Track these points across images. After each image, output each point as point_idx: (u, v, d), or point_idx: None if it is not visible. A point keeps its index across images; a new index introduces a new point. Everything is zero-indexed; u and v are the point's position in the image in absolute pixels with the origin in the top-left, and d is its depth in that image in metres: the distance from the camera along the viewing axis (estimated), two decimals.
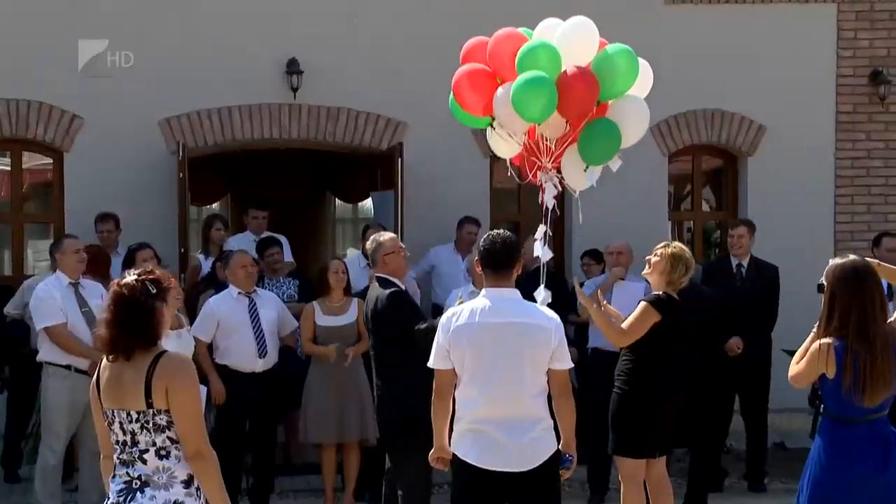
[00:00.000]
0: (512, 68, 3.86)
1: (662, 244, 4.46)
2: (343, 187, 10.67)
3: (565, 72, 3.86)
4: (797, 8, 7.41)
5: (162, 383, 2.47)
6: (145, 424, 2.49)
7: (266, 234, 6.84)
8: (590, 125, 3.93)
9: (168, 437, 2.49)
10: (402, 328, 4.30)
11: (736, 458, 6.39)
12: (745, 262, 6.12)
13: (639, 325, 4.26)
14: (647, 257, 4.49)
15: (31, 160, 7.46)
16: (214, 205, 11.70)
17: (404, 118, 7.06)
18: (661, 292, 4.38)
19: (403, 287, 4.63)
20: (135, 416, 2.50)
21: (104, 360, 2.60)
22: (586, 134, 3.94)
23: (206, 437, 2.56)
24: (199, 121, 6.94)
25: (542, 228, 4.18)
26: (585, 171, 4.07)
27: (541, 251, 4.15)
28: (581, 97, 3.88)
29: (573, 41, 3.94)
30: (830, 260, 3.26)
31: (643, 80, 4.07)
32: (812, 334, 3.19)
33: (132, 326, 2.51)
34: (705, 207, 8.19)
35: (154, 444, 2.49)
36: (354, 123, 7.10)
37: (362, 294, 5.27)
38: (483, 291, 3.44)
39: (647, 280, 4.68)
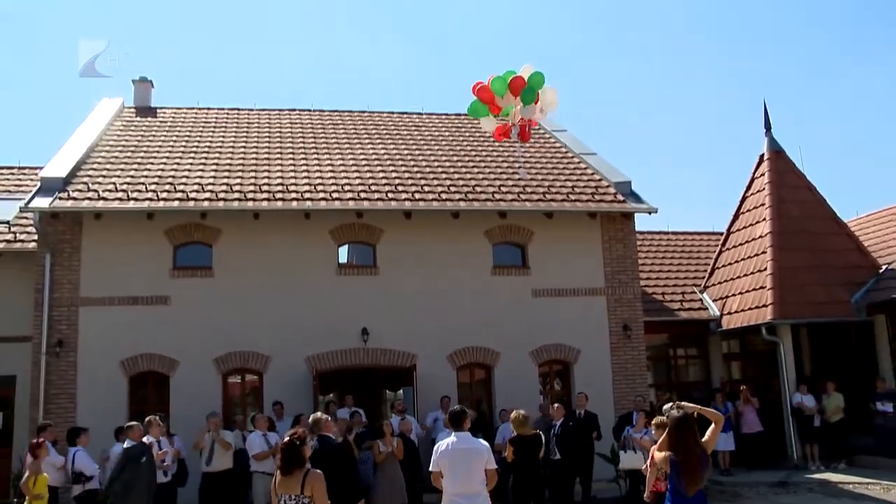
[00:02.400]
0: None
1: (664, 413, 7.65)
2: (388, 384, 20.22)
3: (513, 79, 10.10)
4: (589, 298, 17.36)
5: (309, 483, 5.96)
6: (300, 500, 6.03)
7: (353, 408, 15.84)
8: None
9: None
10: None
11: None
12: (583, 411, 15.00)
13: None
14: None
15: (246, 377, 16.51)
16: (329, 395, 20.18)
17: (416, 351, 16.47)
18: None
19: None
20: (294, 497, 6.02)
21: (279, 472, 6.17)
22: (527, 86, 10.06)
23: None
24: (318, 356, 16.17)
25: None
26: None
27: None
28: (516, 84, 10.07)
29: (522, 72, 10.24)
30: (671, 410, 6.96)
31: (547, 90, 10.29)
32: (655, 445, 7.08)
33: (293, 459, 6.10)
34: (557, 387, 17.63)
35: None
36: (392, 355, 16.43)
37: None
38: (452, 433, 7.56)
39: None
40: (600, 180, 18.55)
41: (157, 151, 18.33)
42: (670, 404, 7.20)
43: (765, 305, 17.91)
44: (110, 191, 15.88)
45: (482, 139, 21.07)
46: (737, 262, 19.57)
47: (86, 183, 16.15)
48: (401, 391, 20.53)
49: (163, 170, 17.09)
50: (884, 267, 18.38)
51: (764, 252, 18.27)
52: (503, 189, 17.62)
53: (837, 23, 52.64)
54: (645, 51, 54.92)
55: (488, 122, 10.67)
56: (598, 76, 54.77)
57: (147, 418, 11.71)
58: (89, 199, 15.55)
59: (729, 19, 55.25)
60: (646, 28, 55.20)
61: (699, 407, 7.21)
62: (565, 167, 19.39)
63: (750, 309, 18.49)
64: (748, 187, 19.95)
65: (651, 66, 54.59)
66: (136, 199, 15.66)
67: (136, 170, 17.08)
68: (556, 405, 14.66)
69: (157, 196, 15.84)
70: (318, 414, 10.68)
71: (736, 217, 20.32)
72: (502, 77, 10.23)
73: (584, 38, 54.02)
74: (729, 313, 19.37)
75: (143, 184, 16.31)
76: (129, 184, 16.29)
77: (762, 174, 19.37)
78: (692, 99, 53.79)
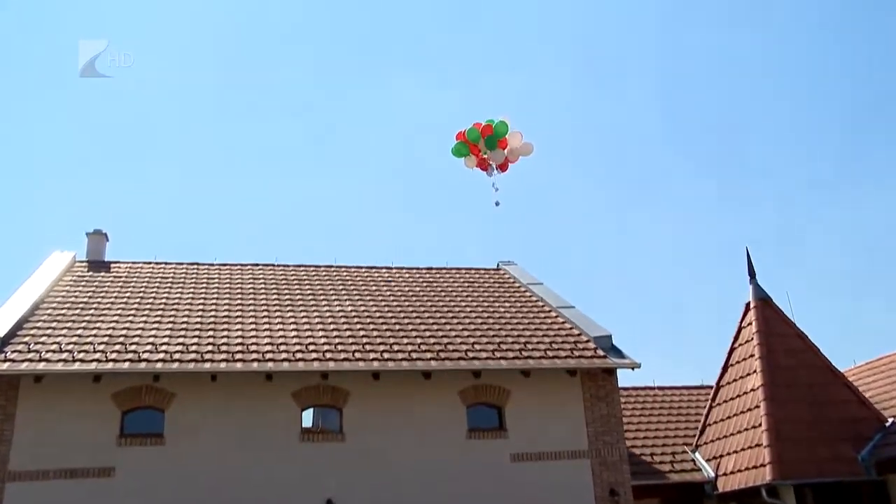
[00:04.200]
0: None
1: None
2: None
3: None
4: (572, 462, 16.84)
5: None
6: None
7: None
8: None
9: None
10: None
11: None
12: None
13: None
14: None
15: None
16: None
17: None
18: None
19: None
20: None
21: None
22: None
23: None
24: None
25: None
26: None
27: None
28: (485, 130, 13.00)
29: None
30: None
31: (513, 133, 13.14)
32: None
33: None
34: None
35: None
36: None
37: None
38: None
39: None
40: (579, 335, 18.55)
41: (109, 308, 18.13)
42: None
43: (763, 465, 17.47)
44: (54, 351, 15.51)
45: (454, 293, 21.19)
46: (729, 417, 19.28)
47: (27, 343, 15.79)
48: None
49: (114, 328, 16.84)
50: (890, 420, 18.10)
51: (757, 406, 18.05)
52: (477, 346, 17.51)
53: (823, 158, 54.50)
54: (622, 202, 56.26)
55: (469, 160, 13.00)
56: (571, 224, 55.81)
57: None
58: (29, 360, 15.14)
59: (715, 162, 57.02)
60: (627, 176, 56.78)
61: None
62: (542, 321, 19.43)
63: (747, 469, 18.03)
64: (735, 338, 19.96)
65: (627, 214, 55.74)
66: (82, 361, 15.28)
67: (84, 328, 16.80)
68: None
69: (106, 357, 15.48)
70: None
71: (725, 370, 20.21)
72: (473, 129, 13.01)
73: (554, 181, 55.44)
74: (725, 474, 18.88)
75: (90, 343, 15.99)
76: (75, 343, 15.95)
77: (749, 323, 19.42)
78: (673, 245, 54.69)
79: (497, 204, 12.89)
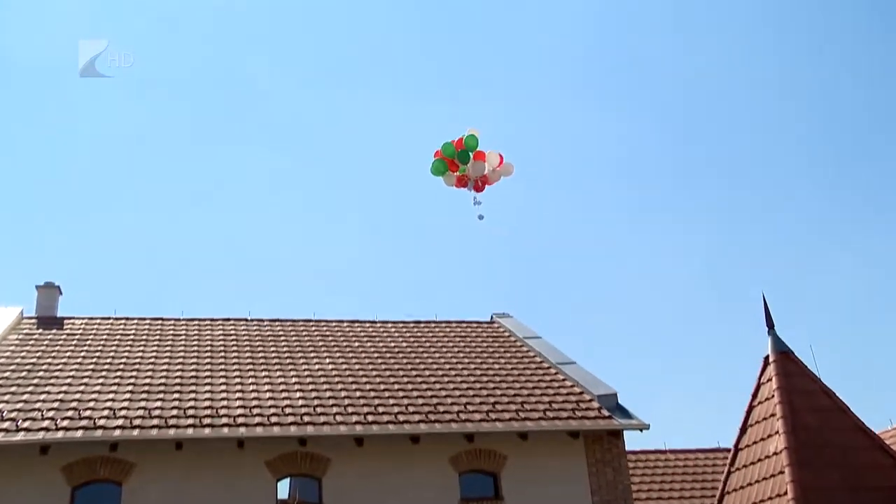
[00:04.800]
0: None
1: None
2: None
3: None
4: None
5: None
6: None
7: None
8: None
9: None
10: None
11: None
12: None
13: None
14: None
15: None
16: None
17: None
18: None
19: None
20: None
21: None
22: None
23: None
24: None
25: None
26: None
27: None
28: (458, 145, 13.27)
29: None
30: None
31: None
32: None
33: None
34: None
35: None
36: None
37: None
38: None
39: None
40: (581, 393, 17.85)
41: (61, 370, 17.01)
42: None
43: None
44: None
45: (444, 349, 20.46)
46: (750, 484, 18.03)
47: None
48: None
49: (66, 392, 15.75)
50: None
51: (781, 472, 16.79)
52: (470, 407, 16.68)
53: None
54: (622, 248, 55.09)
55: (448, 177, 13.47)
56: (570, 272, 54.39)
57: None
58: None
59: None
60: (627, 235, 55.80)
61: None
62: (541, 379, 18.70)
63: None
64: (754, 395, 18.77)
65: (630, 261, 54.42)
66: (27, 430, 14.11)
67: (31, 392, 15.64)
68: None
69: (56, 424, 14.35)
70: None
71: (743, 431, 18.98)
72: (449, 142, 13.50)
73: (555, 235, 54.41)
74: None
75: (38, 410, 14.83)
76: (20, 410, 14.77)
77: (769, 379, 18.27)
78: (683, 293, 53.15)
79: (481, 217, 13.32)
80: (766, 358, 18.50)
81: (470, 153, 13.22)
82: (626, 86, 53.07)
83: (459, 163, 13.25)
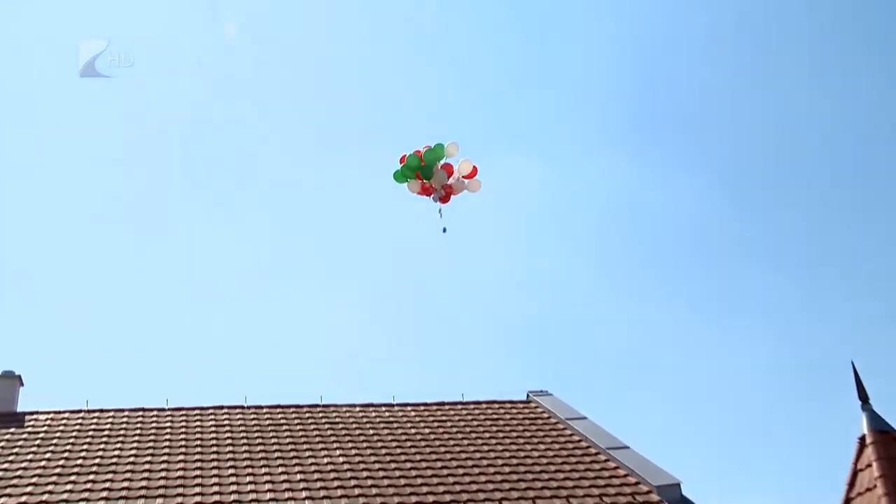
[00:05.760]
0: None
1: None
2: None
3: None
4: None
5: None
6: None
7: None
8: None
9: None
10: None
11: None
12: None
13: None
14: None
15: None
16: None
17: None
18: None
19: None
20: None
21: None
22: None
23: None
24: None
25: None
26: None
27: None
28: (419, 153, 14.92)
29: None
30: None
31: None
32: None
33: None
34: None
35: None
36: None
37: None
38: None
39: None
40: (637, 483, 16.14)
41: (22, 473, 15.41)
42: None
43: None
44: None
45: (473, 434, 18.77)
46: None
47: None
48: None
49: (28, 498, 14.15)
50: None
51: None
52: (506, 502, 15.03)
53: None
54: (681, 314, 52.35)
55: (413, 184, 14.71)
56: (619, 342, 51.42)
57: None
58: None
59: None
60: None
61: None
62: (588, 467, 16.94)
63: None
64: (851, 484, 16.49)
65: (692, 329, 51.57)
66: None
67: None
68: None
69: None
70: None
71: None
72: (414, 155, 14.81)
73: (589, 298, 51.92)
74: None
75: None
76: None
77: (867, 465, 16.04)
78: (751, 363, 49.60)
79: (444, 230, 14.41)
80: (862, 439, 16.28)
81: (433, 166, 14.55)
82: (672, 145, 51.74)
83: (423, 178, 14.60)
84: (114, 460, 16.19)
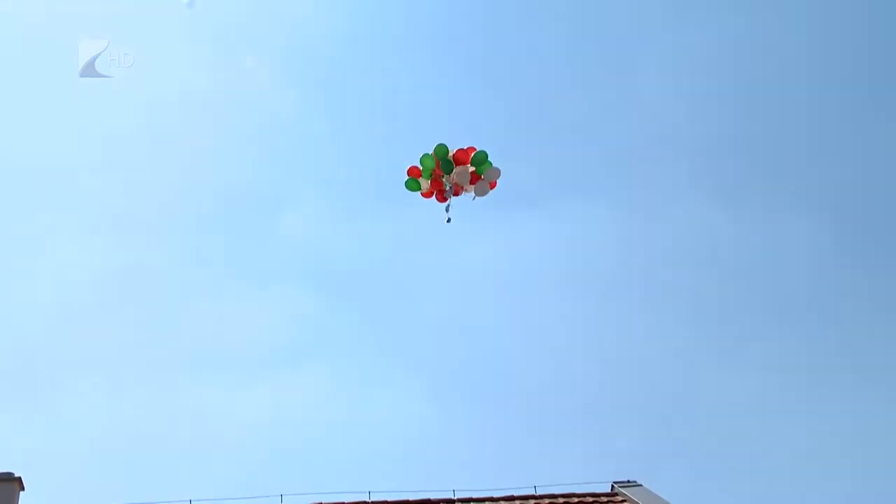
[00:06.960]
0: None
1: None
2: None
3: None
4: None
5: None
6: None
7: None
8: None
9: None
10: None
11: None
12: None
13: None
14: None
15: None
16: None
17: None
18: None
19: None
20: None
21: None
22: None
23: None
24: None
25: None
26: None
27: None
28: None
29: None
30: None
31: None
32: None
33: None
34: None
35: None
36: None
37: None
38: None
39: None
40: None
41: None
42: None
43: None
44: None
45: None
46: None
47: None
48: None
49: None
50: None
51: None
52: None
53: None
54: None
55: (423, 182, 15.29)
56: (715, 422, 48.73)
57: None
58: None
59: None
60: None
61: None
62: None
63: None
64: None
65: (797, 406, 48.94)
66: None
67: None
68: None
69: None
70: None
71: None
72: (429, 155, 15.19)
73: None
74: None
75: None
76: None
77: None
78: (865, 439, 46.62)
79: (448, 220, 14.93)
80: None
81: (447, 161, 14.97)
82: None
83: (444, 172, 14.97)
84: None
